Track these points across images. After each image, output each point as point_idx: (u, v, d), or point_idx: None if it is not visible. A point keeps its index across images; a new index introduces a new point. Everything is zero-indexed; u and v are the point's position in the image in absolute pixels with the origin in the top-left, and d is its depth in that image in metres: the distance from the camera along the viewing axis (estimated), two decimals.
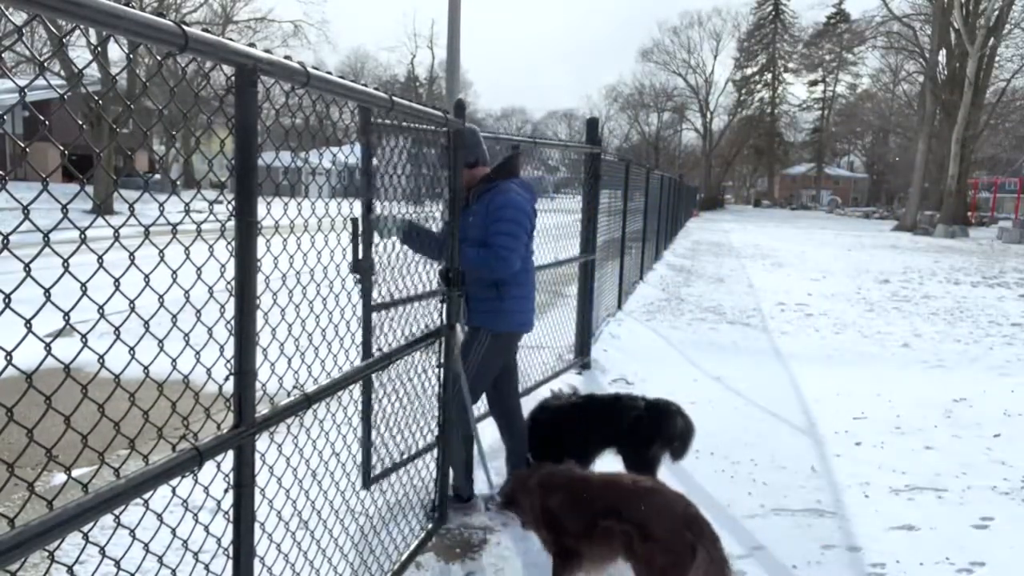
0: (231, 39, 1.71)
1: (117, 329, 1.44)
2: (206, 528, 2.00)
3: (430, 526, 3.52)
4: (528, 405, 4.23)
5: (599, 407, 4.09)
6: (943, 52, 36.86)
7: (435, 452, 3.58)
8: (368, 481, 3.47)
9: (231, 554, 1.89)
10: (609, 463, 3.90)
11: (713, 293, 12.19)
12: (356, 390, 2.72)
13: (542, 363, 6.29)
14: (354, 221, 2.93)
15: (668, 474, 4.45)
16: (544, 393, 4.61)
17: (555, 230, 6.55)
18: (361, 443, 3.39)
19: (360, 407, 3.35)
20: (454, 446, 3.63)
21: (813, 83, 76.76)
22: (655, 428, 3.86)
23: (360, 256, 3.02)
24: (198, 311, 1.76)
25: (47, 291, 1.30)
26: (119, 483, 1.42)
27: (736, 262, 17.85)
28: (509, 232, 3.56)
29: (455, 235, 3.40)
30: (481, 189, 3.66)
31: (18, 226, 1.17)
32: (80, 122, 1.47)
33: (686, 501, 2.85)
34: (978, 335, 9.18)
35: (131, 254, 1.54)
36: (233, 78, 1.71)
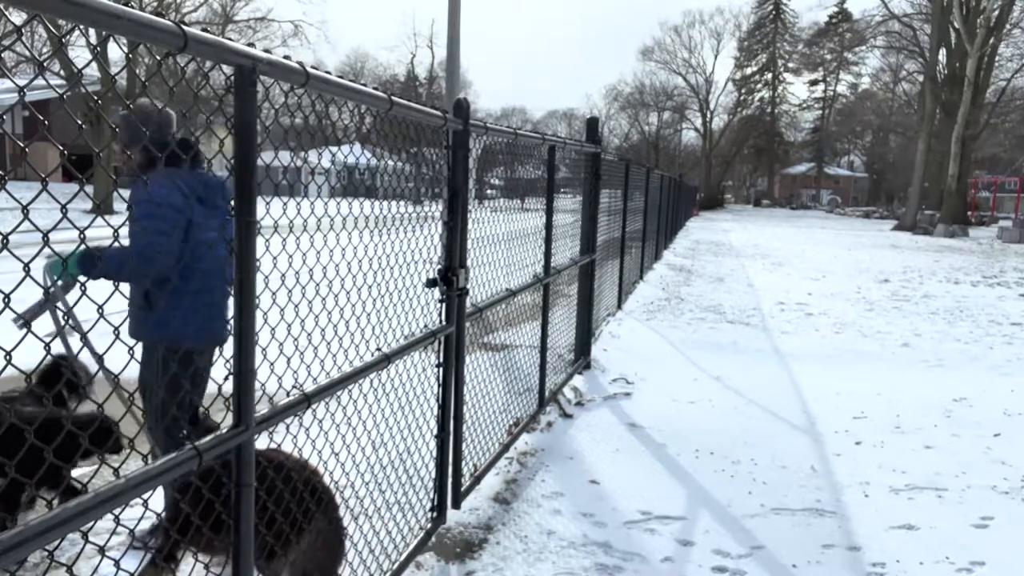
0: (231, 39, 1.71)
1: (116, 329, 1.44)
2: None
3: (430, 526, 3.52)
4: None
5: None
6: (943, 51, 36.83)
7: (434, 452, 3.58)
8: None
9: (231, 554, 1.90)
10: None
11: (713, 292, 12.19)
12: (356, 390, 2.73)
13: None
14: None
15: (668, 474, 4.46)
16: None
17: (555, 230, 6.55)
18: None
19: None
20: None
21: (813, 83, 76.60)
22: None
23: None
24: None
25: (47, 291, 1.30)
26: (119, 483, 1.42)
27: (736, 261, 17.84)
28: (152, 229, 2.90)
29: (454, 234, 3.40)
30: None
31: (18, 226, 1.17)
32: (80, 122, 1.47)
33: None
34: (978, 334, 9.18)
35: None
36: (233, 78, 1.72)
